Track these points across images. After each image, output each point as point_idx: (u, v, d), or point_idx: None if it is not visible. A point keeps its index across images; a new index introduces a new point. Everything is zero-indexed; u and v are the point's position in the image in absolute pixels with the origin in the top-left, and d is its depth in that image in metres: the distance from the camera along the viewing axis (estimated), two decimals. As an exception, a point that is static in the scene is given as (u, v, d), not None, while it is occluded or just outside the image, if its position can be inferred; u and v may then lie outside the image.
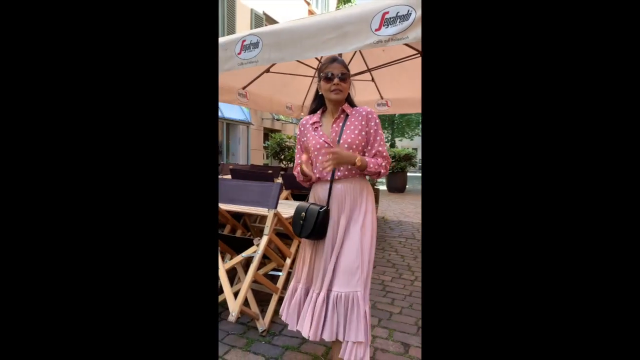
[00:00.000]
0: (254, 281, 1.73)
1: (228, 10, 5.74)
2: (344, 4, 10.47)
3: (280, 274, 1.91)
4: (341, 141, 1.25)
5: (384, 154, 1.30)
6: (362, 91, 3.81)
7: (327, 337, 1.18)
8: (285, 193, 2.82)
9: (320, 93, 1.33)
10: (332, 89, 1.25)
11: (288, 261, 1.94)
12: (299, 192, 2.86)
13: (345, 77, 1.27)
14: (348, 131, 1.26)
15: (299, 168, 1.34)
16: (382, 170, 1.27)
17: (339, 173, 1.27)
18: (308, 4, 8.64)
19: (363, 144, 1.27)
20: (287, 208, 2.04)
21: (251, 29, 6.32)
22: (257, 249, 1.70)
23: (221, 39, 2.59)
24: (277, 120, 7.44)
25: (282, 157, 6.12)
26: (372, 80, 3.96)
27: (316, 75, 1.29)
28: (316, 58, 2.82)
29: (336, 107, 1.31)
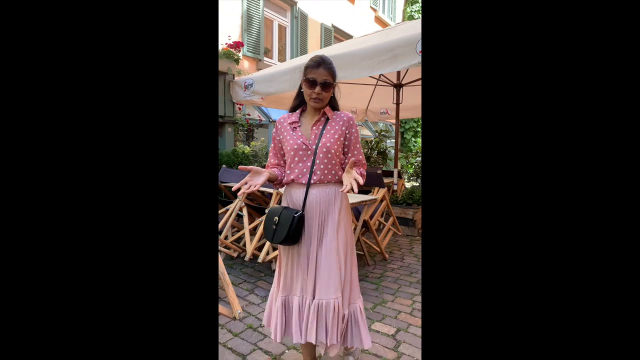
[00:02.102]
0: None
1: (301, 27, 6.48)
2: (411, 5, 10.54)
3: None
4: (320, 144, 1.21)
5: (363, 161, 1.30)
6: (415, 96, 4.07)
7: (312, 339, 1.19)
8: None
9: (302, 90, 1.25)
10: (313, 97, 1.19)
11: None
12: (360, 187, 3.31)
13: (328, 86, 1.19)
14: (328, 135, 1.22)
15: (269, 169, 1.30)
16: (362, 180, 1.20)
17: (315, 177, 1.21)
18: (374, 10, 9.01)
19: (340, 149, 1.25)
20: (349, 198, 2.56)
21: (321, 42, 6.99)
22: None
23: (296, 61, 3.21)
24: (344, 123, 8.01)
25: (347, 157, 6.69)
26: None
27: (302, 74, 1.24)
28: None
29: (317, 109, 1.26)
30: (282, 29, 6.31)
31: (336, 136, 1.23)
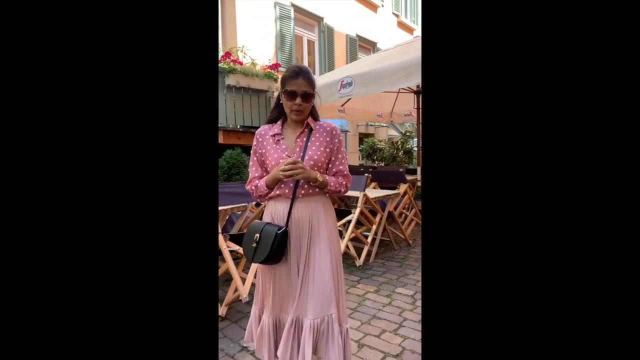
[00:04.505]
0: (351, 239, 2.80)
1: (328, 40, 7.05)
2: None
3: (368, 234, 2.94)
4: (306, 157, 1.17)
5: (345, 172, 1.25)
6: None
7: None
8: (373, 184, 3.84)
9: (281, 102, 1.22)
10: (294, 108, 1.16)
11: (374, 227, 2.95)
12: (387, 185, 3.80)
13: (309, 97, 1.16)
14: (313, 147, 1.19)
15: (255, 182, 1.22)
16: (343, 189, 1.23)
17: (302, 191, 1.17)
18: (397, 16, 9.37)
19: (326, 160, 1.22)
20: (373, 193, 3.06)
21: (346, 51, 7.53)
22: (353, 215, 2.78)
23: (325, 78, 3.76)
24: (370, 125, 8.43)
25: (375, 157, 7.12)
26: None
27: (280, 85, 1.23)
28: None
29: (298, 121, 1.22)
30: (310, 43, 6.91)
31: (322, 148, 1.20)
